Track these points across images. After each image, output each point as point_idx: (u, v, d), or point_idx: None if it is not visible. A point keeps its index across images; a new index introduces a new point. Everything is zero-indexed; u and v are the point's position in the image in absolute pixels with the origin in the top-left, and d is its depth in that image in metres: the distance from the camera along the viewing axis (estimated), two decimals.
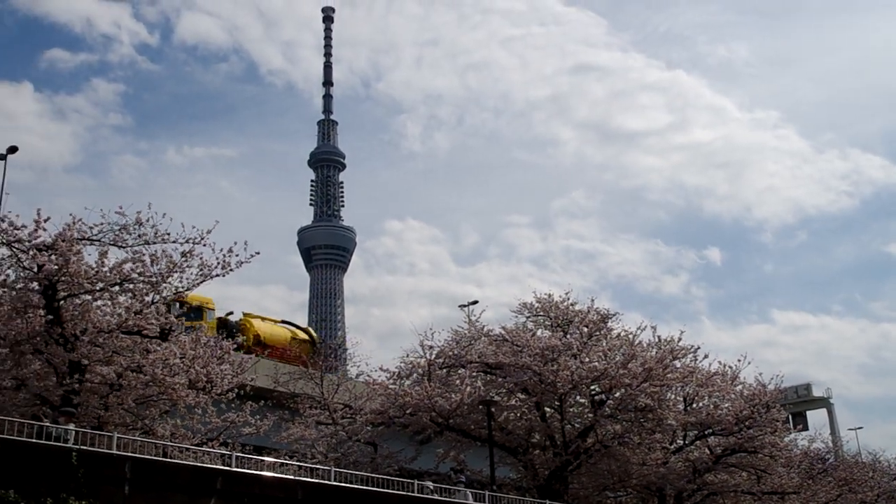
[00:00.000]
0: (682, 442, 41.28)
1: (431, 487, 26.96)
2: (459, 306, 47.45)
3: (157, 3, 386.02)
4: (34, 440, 19.05)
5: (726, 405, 40.01)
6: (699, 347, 40.55)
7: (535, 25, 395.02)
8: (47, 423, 20.69)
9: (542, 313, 40.31)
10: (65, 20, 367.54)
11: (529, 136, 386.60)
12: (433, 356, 38.31)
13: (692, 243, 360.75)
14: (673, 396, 40.17)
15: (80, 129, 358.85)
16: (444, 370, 38.38)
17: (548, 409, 37.65)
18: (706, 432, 40.23)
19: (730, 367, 41.99)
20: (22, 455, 18.25)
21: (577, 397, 38.03)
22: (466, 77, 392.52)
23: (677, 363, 38.83)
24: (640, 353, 37.13)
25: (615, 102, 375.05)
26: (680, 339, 39.34)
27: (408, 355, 39.20)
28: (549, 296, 40.44)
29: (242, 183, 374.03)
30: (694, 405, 40.80)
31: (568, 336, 38.06)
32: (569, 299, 40.27)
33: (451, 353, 38.10)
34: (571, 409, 38.15)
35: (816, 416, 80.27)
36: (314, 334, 58.06)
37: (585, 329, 38.88)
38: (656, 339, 39.38)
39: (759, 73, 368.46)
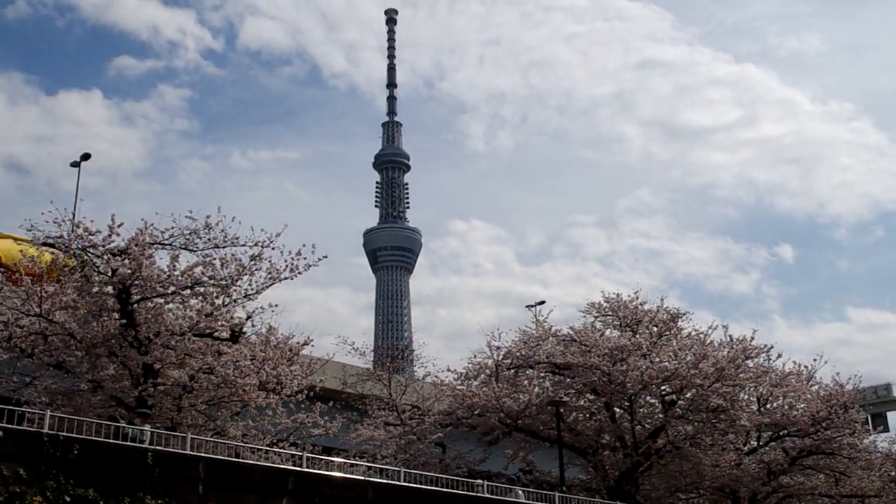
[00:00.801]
0: (756, 443, 40.73)
1: (485, 486, 26.90)
2: (526, 306, 47.50)
3: (222, 8, 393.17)
4: (112, 441, 19.64)
5: (802, 406, 39.37)
6: (772, 347, 40.16)
7: (599, 21, 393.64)
8: (124, 425, 21.26)
9: (610, 313, 40.05)
10: (132, 28, 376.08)
11: (593, 134, 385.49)
12: (501, 357, 38.36)
13: (763, 240, 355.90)
14: (746, 397, 39.66)
15: (147, 135, 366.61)
16: (512, 371, 38.39)
17: (617, 410, 37.42)
18: (781, 433, 39.66)
19: (805, 366, 41.45)
20: (100, 455, 18.78)
21: (648, 398, 37.71)
22: (529, 75, 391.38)
23: (750, 363, 38.35)
24: (711, 352, 36.68)
25: (681, 98, 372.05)
26: (752, 339, 38.91)
27: (475, 356, 39.33)
28: (618, 295, 40.19)
29: (306, 185, 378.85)
30: (768, 406, 40.26)
31: (637, 336, 37.81)
32: (637, 299, 40.00)
33: (518, 354, 38.08)
34: (641, 410, 37.84)
35: None
36: None
37: (655, 329, 38.63)
38: (728, 339, 39.00)
39: (832, 63, 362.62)
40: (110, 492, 18.33)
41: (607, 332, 38.66)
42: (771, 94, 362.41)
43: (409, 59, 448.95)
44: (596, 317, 40.31)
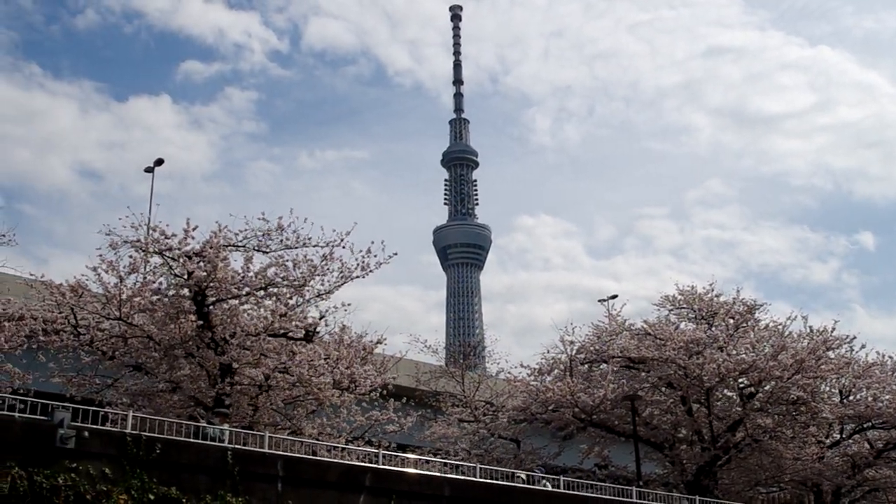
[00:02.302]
0: (839, 436, 39.97)
1: (524, 477, 26.76)
2: (599, 301, 47.15)
3: (286, 9, 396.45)
4: (192, 440, 20.00)
5: (887, 397, 38.55)
6: (854, 337, 39.36)
7: (664, 9, 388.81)
8: (204, 424, 21.65)
9: (684, 306, 39.67)
10: (197, 32, 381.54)
11: (661, 125, 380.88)
12: (574, 351, 38.20)
13: (842, 228, 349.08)
14: (828, 389, 39.09)
15: (215, 138, 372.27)
16: (586, 365, 38.24)
17: (694, 404, 37.00)
18: (865, 426, 38.92)
19: (889, 356, 40.69)
20: (181, 454, 19.14)
21: (725, 391, 37.25)
22: (594, 67, 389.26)
23: (831, 354, 37.63)
24: (790, 344, 36.13)
25: (752, 85, 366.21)
26: (833, 329, 38.15)
27: (548, 351, 39.24)
28: (692, 287, 39.77)
29: (373, 184, 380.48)
30: (851, 397, 39.60)
31: (713, 328, 37.39)
32: (712, 290, 39.54)
33: (592, 349, 37.93)
34: (719, 403, 37.39)
35: None
36: None
37: (731, 321, 38.14)
38: (808, 330, 38.27)
39: None
40: (192, 490, 18.66)
41: (682, 325, 38.31)
42: (847, 77, 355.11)
43: (472, 54, 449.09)
44: (670, 310, 39.94)
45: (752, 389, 36.21)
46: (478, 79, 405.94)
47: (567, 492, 26.32)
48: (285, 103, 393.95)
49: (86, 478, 17.28)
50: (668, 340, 35.64)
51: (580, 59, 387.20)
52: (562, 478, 27.30)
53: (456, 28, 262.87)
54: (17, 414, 17.76)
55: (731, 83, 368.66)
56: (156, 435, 19.05)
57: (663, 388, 37.06)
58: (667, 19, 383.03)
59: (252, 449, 20.72)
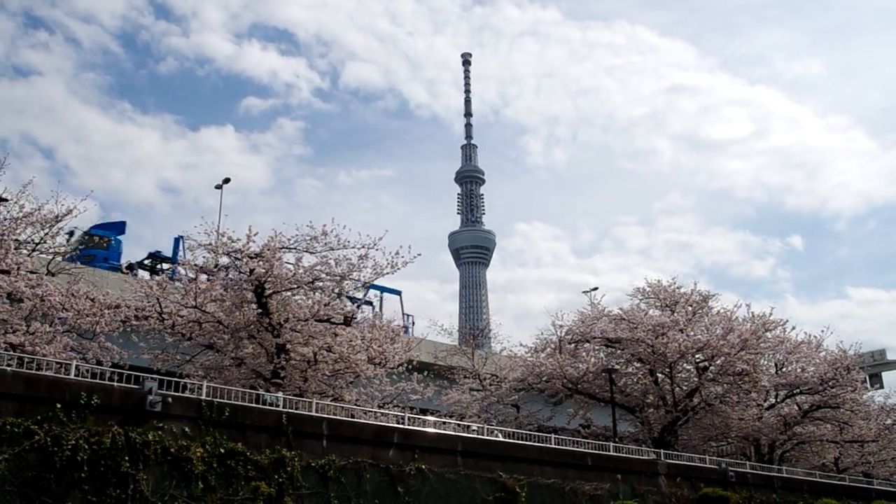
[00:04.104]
0: (774, 400, 39.91)
1: (552, 439, 26.67)
2: (582, 292, 47.23)
3: (326, 55, 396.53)
4: (254, 405, 20.07)
5: (812, 369, 38.88)
6: (787, 321, 39.66)
7: (634, 55, 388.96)
8: (262, 392, 21.73)
9: (652, 296, 39.58)
10: (256, 74, 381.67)
11: (632, 148, 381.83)
12: (563, 333, 38.16)
13: (776, 233, 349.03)
14: (766, 362, 39.21)
15: (270, 160, 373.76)
16: (573, 345, 38.14)
17: (660, 375, 36.92)
18: (795, 392, 38.94)
19: (814, 336, 40.70)
20: (245, 416, 19.23)
21: (685, 364, 37.10)
22: (578, 101, 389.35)
23: (769, 334, 37.62)
24: (737, 326, 36.02)
25: (704, 116, 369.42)
26: (770, 314, 38.32)
27: (542, 333, 39.27)
28: (658, 281, 39.72)
29: (398, 197, 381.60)
30: (784, 369, 39.80)
31: (675, 314, 37.26)
32: (674, 283, 39.52)
33: (577, 331, 37.85)
34: (679, 375, 37.30)
35: (891, 377, 76.38)
36: None
37: (690, 308, 38.03)
38: (750, 315, 38.26)
39: (830, 83, 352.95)
40: (255, 445, 18.75)
41: (650, 312, 38.17)
42: (779, 111, 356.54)
43: (478, 91, 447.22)
44: (640, 299, 39.85)
45: (706, 363, 36.10)
46: (483, 111, 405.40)
47: (557, 447, 26.30)
48: (326, 131, 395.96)
49: (170, 435, 17.41)
50: (639, 324, 35.52)
51: (566, 95, 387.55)
52: (553, 436, 27.27)
53: (466, 71, 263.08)
54: (115, 383, 17.90)
55: (687, 114, 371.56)
56: (225, 401, 19.15)
57: (635, 363, 36.94)
58: (636, 62, 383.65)
59: (302, 413, 20.78)
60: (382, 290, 53.35)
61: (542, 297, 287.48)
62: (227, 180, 46.68)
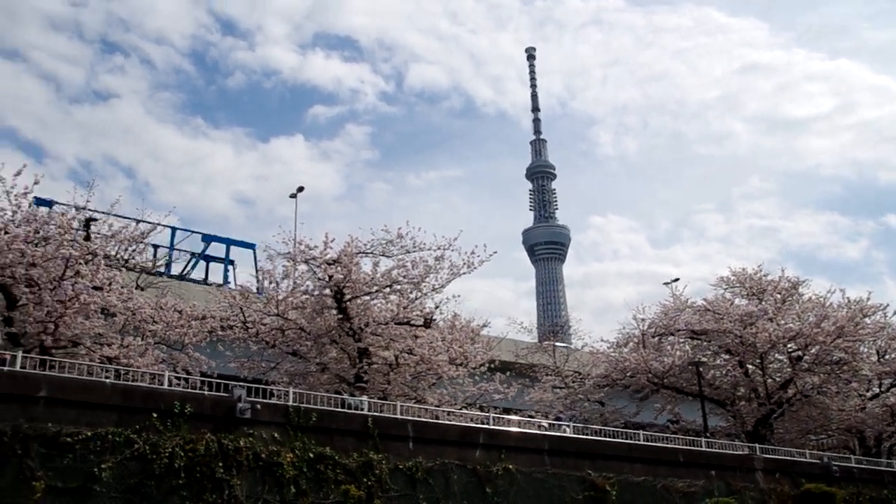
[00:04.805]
0: (878, 390, 38.37)
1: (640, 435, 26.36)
2: (663, 283, 46.45)
3: (390, 59, 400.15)
4: (339, 409, 20.54)
5: None
6: (888, 305, 37.71)
7: (702, 37, 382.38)
8: (347, 396, 22.20)
9: (737, 285, 38.76)
10: (321, 82, 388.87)
11: (706, 133, 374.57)
12: (645, 327, 37.75)
13: (869, 213, 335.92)
14: (866, 350, 37.52)
15: (340, 166, 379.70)
16: (656, 338, 37.65)
17: (750, 366, 36.10)
18: None
19: None
20: (331, 421, 19.70)
21: (776, 355, 36.16)
22: (646, 88, 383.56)
23: (868, 320, 36.16)
24: (831, 313, 34.90)
25: (782, 94, 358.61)
26: (868, 299, 36.68)
27: (623, 327, 38.90)
28: (743, 269, 38.90)
29: (467, 197, 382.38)
30: (887, 356, 37.95)
31: (763, 303, 36.42)
32: (760, 271, 38.61)
33: (660, 324, 37.35)
34: (772, 366, 36.38)
35: None
36: None
37: (778, 295, 37.13)
38: (846, 301, 36.87)
39: None
40: (342, 449, 19.19)
41: (736, 301, 37.38)
42: (864, 83, 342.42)
43: (544, 84, 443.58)
44: (725, 288, 39.05)
45: (800, 353, 35.11)
46: (550, 104, 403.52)
47: (647, 444, 26.06)
48: (393, 135, 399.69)
49: (260, 441, 17.98)
50: (725, 315, 34.86)
51: (634, 83, 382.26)
52: (641, 432, 27.02)
53: (531, 65, 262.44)
54: (206, 392, 18.60)
55: (763, 94, 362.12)
56: (311, 406, 19.65)
57: (723, 355, 36.25)
58: (705, 44, 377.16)
59: (387, 415, 21.15)
60: (231, 242, 48.18)
61: (620, 290, 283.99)
62: (300, 189, 47.41)
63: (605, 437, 25.82)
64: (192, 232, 41.36)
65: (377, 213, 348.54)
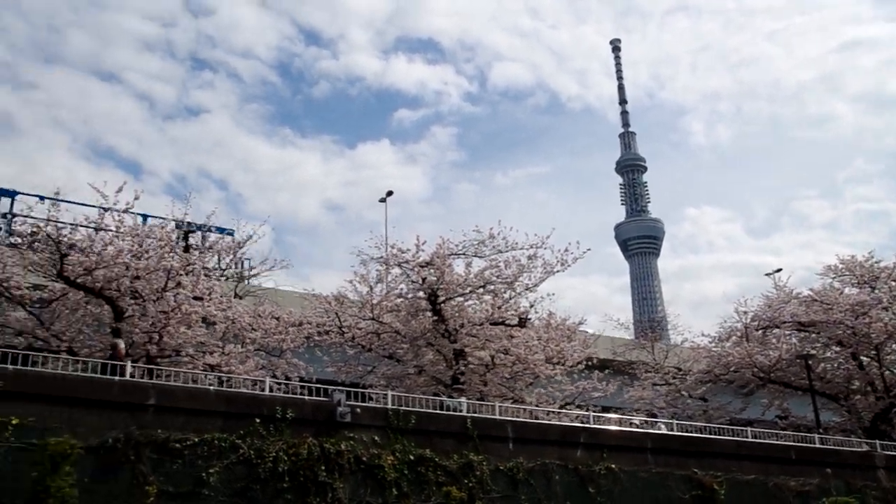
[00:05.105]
0: None
1: (748, 432, 25.50)
2: (765, 274, 44.83)
3: (473, 59, 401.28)
4: (438, 411, 20.60)
5: None
6: None
7: (797, 16, 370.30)
8: (445, 398, 22.25)
9: (846, 273, 36.92)
10: (405, 86, 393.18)
11: (805, 116, 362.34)
12: (748, 320, 36.56)
13: None
14: None
15: (426, 168, 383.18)
16: (760, 331, 36.40)
17: (864, 359, 34.45)
18: None
19: None
20: (430, 423, 19.75)
21: (894, 345, 34.42)
22: (738, 73, 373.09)
23: None
24: None
25: (888, 70, 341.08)
26: None
27: (724, 321, 37.74)
28: (853, 256, 37.01)
29: (557, 193, 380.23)
30: None
31: (876, 291, 34.66)
32: (872, 258, 36.66)
33: (764, 316, 36.09)
34: (889, 357, 34.62)
35: None
36: None
37: (894, 283, 35.19)
38: None
39: None
40: (442, 451, 19.22)
41: (846, 291, 35.72)
42: None
43: (630, 75, 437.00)
44: (833, 277, 37.24)
45: None
46: (637, 96, 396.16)
47: (755, 441, 25.21)
48: (478, 134, 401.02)
49: (360, 444, 18.19)
50: (834, 305, 33.39)
51: (725, 68, 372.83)
52: (748, 429, 26.16)
53: (617, 57, 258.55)
54: (306, 397, 18.96)
55: (867, 71, 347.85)
56: (410, 408, 19.74)
57: (834, 347, 34.72)
58: (800, 24, 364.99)
59: (486, 416, 21.10)
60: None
61: (718, 283, 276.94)
62: (390, 193, 47.93)
63: (711, 434, 25.10)
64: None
65: (465, 213, 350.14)
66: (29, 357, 17.48)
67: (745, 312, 36.82)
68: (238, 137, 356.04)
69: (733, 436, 25.08)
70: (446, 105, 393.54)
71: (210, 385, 18.87)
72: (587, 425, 22.58)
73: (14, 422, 14.85)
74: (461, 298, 27.10)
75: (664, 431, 24.28)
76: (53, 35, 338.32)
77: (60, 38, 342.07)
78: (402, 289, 27.50)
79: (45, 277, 23.17)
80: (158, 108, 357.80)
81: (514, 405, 23.98)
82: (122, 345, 20.19)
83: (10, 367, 15.96)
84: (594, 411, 25.87)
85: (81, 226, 23.81)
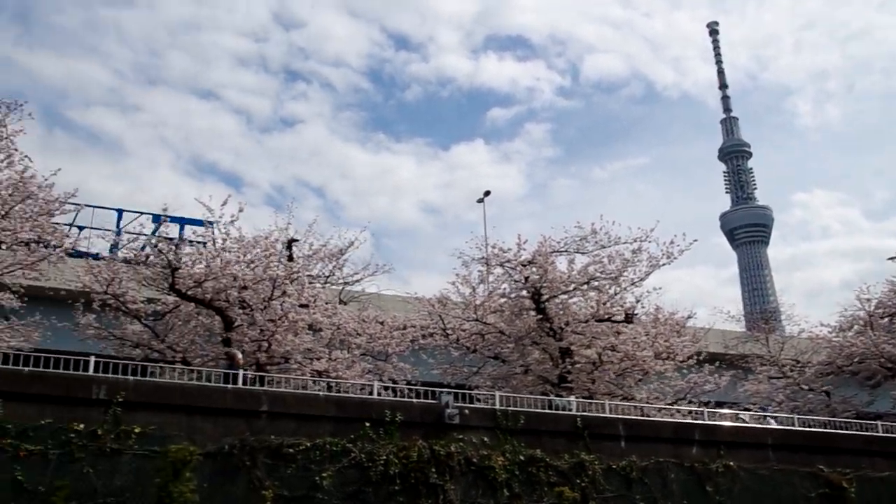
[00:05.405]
0: None
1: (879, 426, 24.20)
2: (888, 259, 42.55)
3: (564, 53, 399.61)
4: (547, 411, 20.44)
5: None
6: None
7: None
8: (554, 397, 22.08)
9: None
10: (496, 84, 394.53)
11: None
12: (872, 307, 34.80)
13: None
14: None
15: (522, 166, 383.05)
16: (886, 319, 34.61)
17: None
18: None
19: None
20: (539, 423, 19.62)
21: None
22: (847, 48, 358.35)
23: None
24: None
25: None
26: None
27: (845, 309, 35.97)
28: None
29: (656, 184, 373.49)
30: None
31: None
32: None
33: (890, 303, 34.30)
34: None
35: None
36: None
37: None
38: None
39: None
40: (552, 451, 19.05)
41: None
42: None
43: (729, 59, 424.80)
44: None
45: None
46: (738, 79, 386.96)
47: (888, 435, 23.95)
48: (573, 129, 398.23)
49: (470, 445, 18.20)
50: None
51: (833, 44, 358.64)
52: (878, 423, 24.90)
53: (715, 41, 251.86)
54: (414, 399, 19.12)
55: None
56: (518, 409, 19.65)
57: None
58: None
59: (596, 415, 20.83)
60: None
61: (835, 270, 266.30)
62: (487, 193, 48.08)
63: (836, 428, 24.01)
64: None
65: (563, 209, 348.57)
66: (147, 368, 18.31)
67: (868, 300, 35.08)
68: (333, 145, 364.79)
69: (862, 430, 23.92)
70: (539, 101, 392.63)
71: (319, 391, 19.26)
72: (701, 421, 21.98)
73: (136, 430, 15.54)
74: (565, 296, 26.83)
75: (786, 427, 23.36)
76: (154, 58, 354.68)
77: (161, 60, 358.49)
78: (504, 288, 27.41)
79: (157, 291, 24.15)
80: (255, 122, 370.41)
81: (624, 402, 23.54)
82: (239, 354, 20.83)
83: (130, 377, 16.67)
84: (708, 407, 25.19)
85: (190, 241, 24.80)
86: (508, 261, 26.63)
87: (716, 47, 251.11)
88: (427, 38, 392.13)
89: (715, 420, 22.70)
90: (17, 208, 21.26)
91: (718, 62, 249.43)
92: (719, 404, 30.97)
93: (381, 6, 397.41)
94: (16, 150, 21.40)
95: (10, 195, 21.18)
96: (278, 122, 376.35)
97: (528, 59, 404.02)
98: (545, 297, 26.25)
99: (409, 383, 24.09)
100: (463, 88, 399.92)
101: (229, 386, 17.57)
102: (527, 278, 25.99)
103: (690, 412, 24.03)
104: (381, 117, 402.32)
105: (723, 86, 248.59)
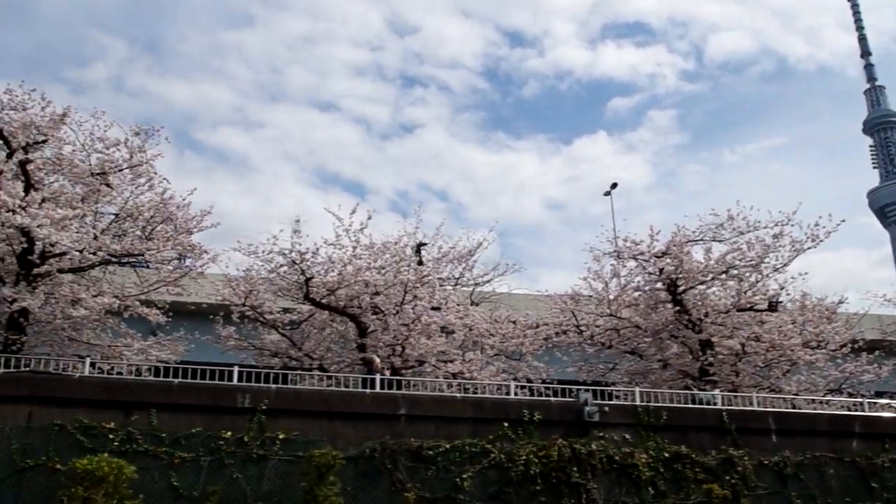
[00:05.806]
0: None
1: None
2: None
3: (686, 35, 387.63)
4: (690, 405, 19.87)
5: None
6: None
7: None
8: (696, 392, 21.47)
9: None
10: (616, 74, 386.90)
11: None
12: None
13: None
14: None
15: (647, 155, 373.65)
16: None
17: None
18: None
19: None
20: (683, 418, 19.07)
21: None
22: None
23: None
24: None
25: None
26: None
27: None
28: None
29: (795, 163, 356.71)
30: None
31: None
32: None
33: None
34: None
35: None
36: None
37: None
38: None
39: None
40: (697, 446, 18.51)
41: None
42: None
43: (871, 23, 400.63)
44: None
45: None
46: (882, 44, 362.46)
47: None
48: (700, 113, 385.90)
49: (611, 443, 17.93)
50: None
51: None
52: None
53: (854, 5, 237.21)
54: (552, 398, 19.02)
55: None
56: (659, 404, 19.24)
57: None
58: None
59: (743, 408, 20.12)
60: None
61: None
62: (614, 185, 47.45)
63: None
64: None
65: (694, 196, 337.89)
66: (287, 375, 19.01)
67: None
68: (453, 148, 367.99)
69: None
70: (662, 87, 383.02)
71: (456, 392, 19.46)
72: (862, 413, 20.81)
73: (281, 436, 16.16)
74: (703, 286, 26.11)
75: None
76: (275, 75, 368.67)
77: (281, 76, 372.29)
78: (638, 282, 27.02)
79: (293, 300, 25.03)
80: (375, 130, 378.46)
81: (772, 395, 22.61)
82: (377, 359, 21.33)
83: (272, 385, 17.36)
84: (867, 397, 23.85)
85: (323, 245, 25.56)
86: (641, 253, 26.18)
87: (855, 12, 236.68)
88: (542, 32, 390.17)
89: (873, 411, 21.44)
90: (158, 228, 22.53)
91: (859, 28, 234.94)
92: (878, 394, 29.30)
93: (493, 4, 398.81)
94: (155, 173, 22.73)
95: (152, 216, 22.50)
96: (398, 129, 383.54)
97: (647, 44, 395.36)
98: (682, 288, 25.65)
99: (544, 382, 23.98)
100: (582, 80, 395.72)
101: (367, 390, 17.99)
102: (661, 270, 25.43)
103: (850, 403, 22.80)
104: (499, 116, 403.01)
105: (865, 53, 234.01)
